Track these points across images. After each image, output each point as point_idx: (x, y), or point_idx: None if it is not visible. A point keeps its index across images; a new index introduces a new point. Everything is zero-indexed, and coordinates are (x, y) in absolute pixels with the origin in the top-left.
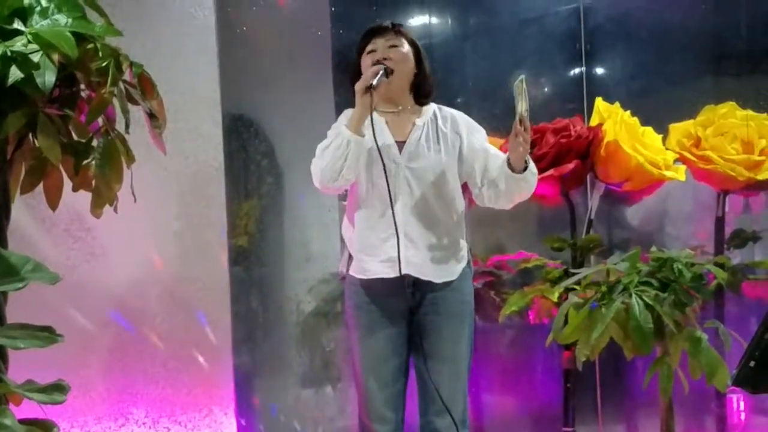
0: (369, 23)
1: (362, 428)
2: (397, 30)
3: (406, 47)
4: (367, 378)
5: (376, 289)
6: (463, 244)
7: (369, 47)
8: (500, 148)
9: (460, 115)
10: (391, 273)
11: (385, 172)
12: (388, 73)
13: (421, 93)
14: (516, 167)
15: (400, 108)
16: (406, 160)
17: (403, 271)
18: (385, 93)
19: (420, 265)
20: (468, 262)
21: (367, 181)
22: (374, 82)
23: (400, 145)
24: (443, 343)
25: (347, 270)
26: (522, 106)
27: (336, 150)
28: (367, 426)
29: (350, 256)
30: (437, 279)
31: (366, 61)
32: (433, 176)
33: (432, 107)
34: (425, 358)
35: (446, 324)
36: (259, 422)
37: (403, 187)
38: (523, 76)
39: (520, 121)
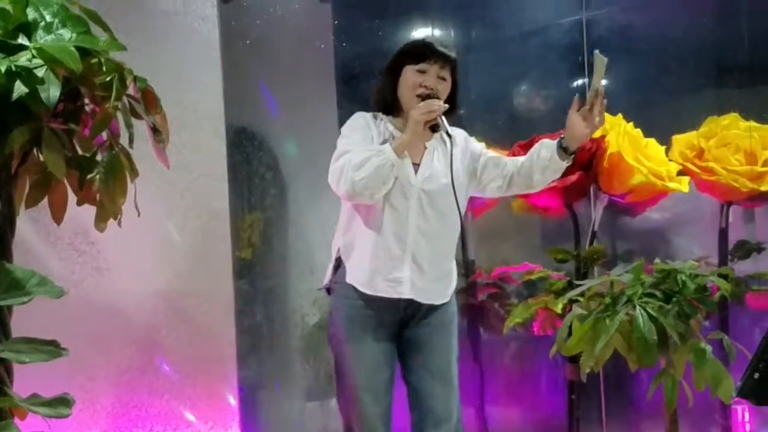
0: (372, 36)
1: None
2: (453, 65)
3: (449, 82)
4: (361, 390)
5: (370, 302)
6: (454, 264)
7: (422, 65)
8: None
9: (462, 132)
10: (393, 294)
11: (417, 199)
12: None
13: (439, 125)
14: (572, 147)
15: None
16: (421, 182)
17: (408, 295)
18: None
19: (423, 289)
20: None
21: (385, 200)
22: (448, 127)
23: (415, 166)
24: (436, 353)
25: (333, 281)
26: (596, 81)
27: (378, 168)
28: None
29: (335, 269)
30: (437, 302)
31: (413, 78)
32: (444, 199)
33: None
34: (419, 369)
35: (438, 335)
36: None
37: (416, 209)
38: (596, 51)
39: (597, 94)
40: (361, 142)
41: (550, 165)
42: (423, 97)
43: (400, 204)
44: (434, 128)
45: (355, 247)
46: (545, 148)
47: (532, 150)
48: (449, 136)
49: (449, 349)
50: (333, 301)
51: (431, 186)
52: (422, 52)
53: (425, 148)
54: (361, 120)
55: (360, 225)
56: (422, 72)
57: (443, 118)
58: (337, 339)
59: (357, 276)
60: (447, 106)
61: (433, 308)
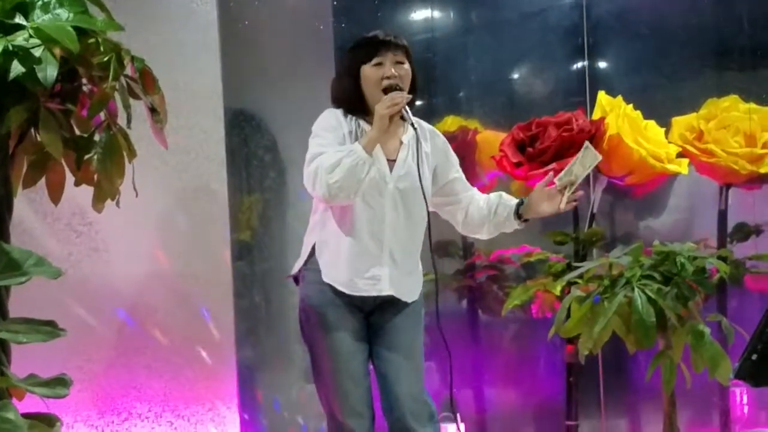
0: (371, 17)
1: (336, 425)
2: (404, 48)
3: (408, 67)
4: (340, 375)
5: (339, 290)
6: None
7: (376, 59)
8: (500, 144)
9: (438, 134)
10: (373, 291)
11: (392, 196)
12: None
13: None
14: (526, 216)
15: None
16: (396, 180)
17: (388, 292)
18: None
19: (399, 285)
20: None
21: (361, 200)
22: (413, 118)
23: (390, 163)
24: (401, 338)
25: (304, 269)
26: (578, 170)
27: (351, 169)
28: (342, 423)
29: (307, 259)
30: (410, 299)
31: (373, 74)
32: (416, 197)
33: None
34: (386, 353)
35: (403, 321)
36: (262, 417)
37: (390, 207)
38: (588, 143)
39: (572, 183)
40: (334, 141)
41: (505, 223)
42: (388, 90)
43: (375, 202)
44: (402, 117)
45: (330, 246)
46: (502, 206)
47: (490, 201)
48: (414, 128)
49: (415, 335)
50: (303, 289)
51: (404, 184)
52: (372, 47)
53: (401, 143)
54: (332, 118)
55: (335, 224)
56: (380, 65)
57: (407, 109)
58: (311, 326)
59: (334, 276)
60: (410, 96)
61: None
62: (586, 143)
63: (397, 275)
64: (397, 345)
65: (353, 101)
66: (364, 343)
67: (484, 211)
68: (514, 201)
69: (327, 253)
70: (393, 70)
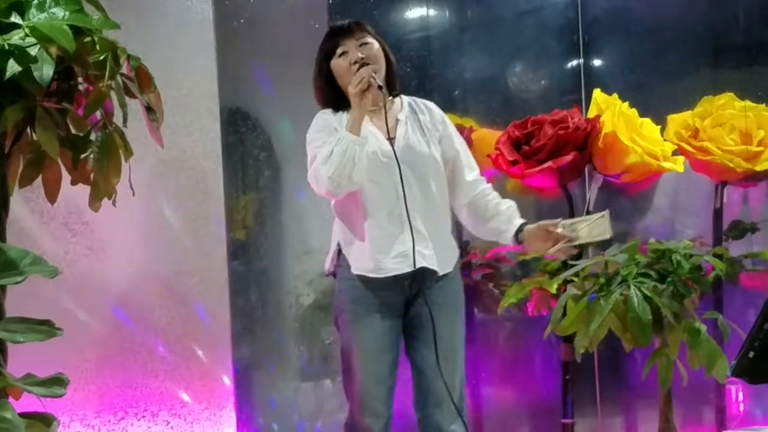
0: (366, 15)
1: (354, 423)
2: (363, 28)
3: (376, 44)
4: (364, 373)
5: (373, 284)
6: (452, 236)
7: (340, 49)
8: (496, 143)
9: (435, 107)
10: (405, 268)
11: (400, 171)
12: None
13: (392, 87)
14: (522, 243)
15: (380, 105)
16: (401, 155)
17: (418, 265)
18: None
19: (430, 256)
20: (459, 252)
21: (370, 181)
22: (379, 82)
23: (391, 142)
24: (438, 332)
25: (337, 265)
26: (584, 233)
27: (343, 154)
28: (360, 422)
29: (338, 253)
30: (443, 270)
31: (342, 64)
32: (426, 168)
33: (404, 99)
34: (424, 348)
35: (443, 314)
36: (258, 416)
37: (400, 182)
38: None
39: (572, 240)
40: (329, 140)
41: (500, 236)
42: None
43: (385, 182)
44: (379, 89)
45: (353, 239)
46: (505, 223)
47: (500, 206)
48: (380, 88)
49: (453, 328)
50: (337, 284)
51: (409, 156)
52: (332, 40)
53: (398, 120)
54: (320, 121)
55: (352, 217)
56: (345, 53)
57: (374, 76)
58: (341, 321)
59: (363, 265)
60: (375, 67)
61: (437, 286)
62: (607, 213)
63: (426, 248)
64: (434, 340)
65: (334, 97)
66: (396, 342)
67: (490, 213)
68: (519, 221)
69: (352, 246)
70: (359, 54)
